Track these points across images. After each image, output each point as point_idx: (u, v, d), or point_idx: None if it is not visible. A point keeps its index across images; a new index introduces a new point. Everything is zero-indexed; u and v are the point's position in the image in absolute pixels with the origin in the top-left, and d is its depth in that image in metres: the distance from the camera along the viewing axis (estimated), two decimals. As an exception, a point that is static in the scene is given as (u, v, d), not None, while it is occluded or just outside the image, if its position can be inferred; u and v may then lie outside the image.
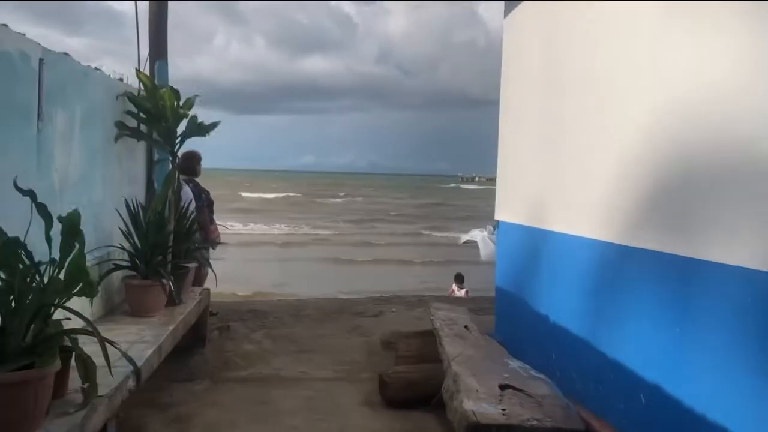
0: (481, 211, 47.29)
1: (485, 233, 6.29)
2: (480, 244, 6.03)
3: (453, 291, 11.06)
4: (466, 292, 10.93)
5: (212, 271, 5.81)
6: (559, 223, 3.80)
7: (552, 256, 3.94)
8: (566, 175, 3.72)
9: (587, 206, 3.44)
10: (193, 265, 5.33)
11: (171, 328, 4.31)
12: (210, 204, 7.18)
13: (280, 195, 61.14)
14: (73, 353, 2.82)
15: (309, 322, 6.93)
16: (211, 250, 7.21)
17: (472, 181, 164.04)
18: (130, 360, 2.84)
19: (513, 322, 4.69)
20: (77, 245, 3.00)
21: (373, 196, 66.78)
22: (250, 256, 20.16)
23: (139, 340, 3.94)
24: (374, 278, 16.08)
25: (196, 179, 7.13)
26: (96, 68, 4.63)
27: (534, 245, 4.23)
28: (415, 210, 47.71)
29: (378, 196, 68.24)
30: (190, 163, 7.10)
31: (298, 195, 62.94)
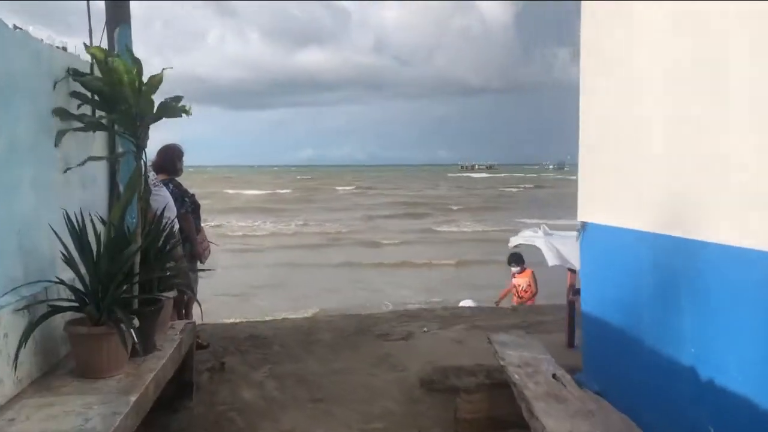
0: (495, 202, 45.34)
1: (539, 233, 5.07)
2: (543, 249, 4.84)
3: (513, 284, 9.59)
4: (532, 277, 9.35)
5: (197, 302, 4.46)
6: (721, 231, 2.44)
7: (704, 277, 2.59)
8: (741, 169, 2.37)
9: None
10: (169, 295, 3.98)
11: (134, 398, 2.96)
12: (196, 209, 5.85)
13: (284, 191, 59.65)
14: None
15: (323, 352, 5.59)
16: (199, 264, 5.90)
17: (472, 169, 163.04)
18: None
19: (617, 365, 3.34)
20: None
21: (379, 189, 65.05)
22: (252, 261, 18.70)
23: (79, 428, 2.59)
24: (392, 284, 14.63)
25: (178, 179, 5.80)
26: (16, 27, 3.28)
27: (662, 259, 2.88)
28: (429, 200, 45.96)
29: (385, 188, 66.47)
30: (170, 160, 5.76)
31: (299, 191, 61.40)
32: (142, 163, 3.97)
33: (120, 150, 4.47)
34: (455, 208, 38.96)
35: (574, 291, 5.32)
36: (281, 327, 6.50)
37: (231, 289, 12.99)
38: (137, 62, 3.88)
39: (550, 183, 78.46)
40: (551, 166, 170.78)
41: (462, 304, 9.31)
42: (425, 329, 6.17)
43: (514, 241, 5.25)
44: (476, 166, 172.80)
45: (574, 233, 5.36)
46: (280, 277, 15.67)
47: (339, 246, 22.43)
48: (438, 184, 73.99)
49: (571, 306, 5.28)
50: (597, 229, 3.51)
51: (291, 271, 16.69)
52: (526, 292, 9.40)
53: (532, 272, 9.44)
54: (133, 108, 3.83)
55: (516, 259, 9.71)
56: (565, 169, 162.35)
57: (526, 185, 68.43)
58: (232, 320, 6.90)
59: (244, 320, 6.88)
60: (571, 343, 5.31)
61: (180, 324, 4.38)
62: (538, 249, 5.06)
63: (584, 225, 3.60)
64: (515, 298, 9.41)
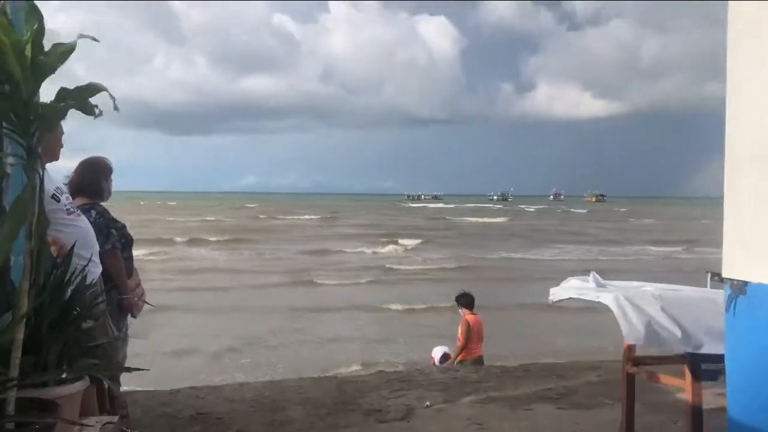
0: (460, 234, 42.46)
1: (590, 283, 3.78)
2: (616, 313, 3.62)
3: (463, 334, 8.12)
4: (463, 326, 7.97)
5: (117, 395, 2.97)
6: None
7: None
8: None
9: None
10: (72, 390, 2.50)
11: None
12: (127, 244, 4.36)
13: (230, 220, 57.02)
14: None
15: (298, 439, 4.13)
16: (130, 318, 4.41)
17: (418, 199, 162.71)
18: None
19: None
20: None
21: (330, 219, 62.66)
22: (200, 304, 16.36)
23: None
24: (361, 332, 12.84)
25: (103, 204, 4.32)
26: None
27: None
28: (389, 231, 43.64)
29: (333, 218, 64.16)
30: (93, 178, 4.29)
31: (247, 220, 58.82)
32: (38, 177, 2.53)
33: (10, 156, 2.98)
34: (417, 242, 36.83)
35: (634, 360, 4.07)
36: (238, 398, 4.99)
37: (175, 341, 11.24)
38: (36, 15, 2.45)
39: (501, 213, 78.26)
40: (495, 197, 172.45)
41: (435, 351, 7.96)
42: (428, 403, 4.79)
43: (557, 294, 3.92)
44: (422, 196, 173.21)
45: (642, 285, 4.11)
46: (235, 324, 13.73)
47: (299, 285, 20.16)
48: (393, 215, 72.15)
49: (630, 380, 4.02)
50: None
51: (246, 317, 14.64)
52: (459, 341, 7.94)
53: (465, 320, 7.94)
54: (22, 89, 2.39)
55: (461, 301, 8.24)
56: (509, 200, 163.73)
57: (482, 218, 67.44)
58: (174, 386, 5.34)
59: (190, 387, 5.34)
60: (630, 428, 4.04)
61: (96, 424, 2.88)
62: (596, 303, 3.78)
63: (740, 286, 2.35)
64: None
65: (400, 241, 35.91)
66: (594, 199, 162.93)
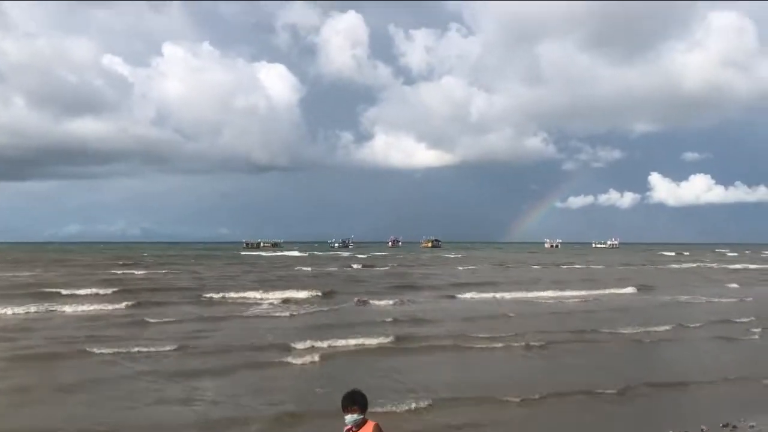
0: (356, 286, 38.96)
1: None
2: None
3: None
4: None
5: None
6: None
7: None
8: None
9: None
10: None
11: None
12: None
13: (45, 274, 50.30)
14: None
15: None
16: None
17: (257, 247, 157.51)
18: None
19: None
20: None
21: (171, 268, 57.19)
22: None
23: None
24: None
25: None
26: None
27: None
28: (226, 282, 40.70)
29: (174, 270, 57.91)
30: None
31: (65, 274, 52.08)
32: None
33: None
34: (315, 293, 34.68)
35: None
36: None
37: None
38: None
39: (381, 262, 75.95)
40: (337, 244, 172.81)
41: None
42: None
43: None
44: (262, 243, 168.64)
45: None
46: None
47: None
48: (246, 266, 66.95)
49: None
50: None
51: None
52: None
53: (377, 426, 5.54)
54: None
55: (361, 402, 5.56)
56: (350, 246, 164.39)
57: (367, 267, 65.11)
58: None
59: None
60: None
61: None
62: None
63: None
64: None
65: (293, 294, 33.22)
66: (430, 245, 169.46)
